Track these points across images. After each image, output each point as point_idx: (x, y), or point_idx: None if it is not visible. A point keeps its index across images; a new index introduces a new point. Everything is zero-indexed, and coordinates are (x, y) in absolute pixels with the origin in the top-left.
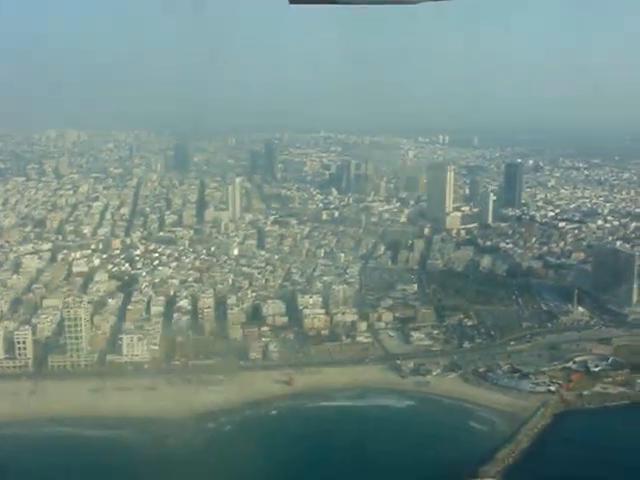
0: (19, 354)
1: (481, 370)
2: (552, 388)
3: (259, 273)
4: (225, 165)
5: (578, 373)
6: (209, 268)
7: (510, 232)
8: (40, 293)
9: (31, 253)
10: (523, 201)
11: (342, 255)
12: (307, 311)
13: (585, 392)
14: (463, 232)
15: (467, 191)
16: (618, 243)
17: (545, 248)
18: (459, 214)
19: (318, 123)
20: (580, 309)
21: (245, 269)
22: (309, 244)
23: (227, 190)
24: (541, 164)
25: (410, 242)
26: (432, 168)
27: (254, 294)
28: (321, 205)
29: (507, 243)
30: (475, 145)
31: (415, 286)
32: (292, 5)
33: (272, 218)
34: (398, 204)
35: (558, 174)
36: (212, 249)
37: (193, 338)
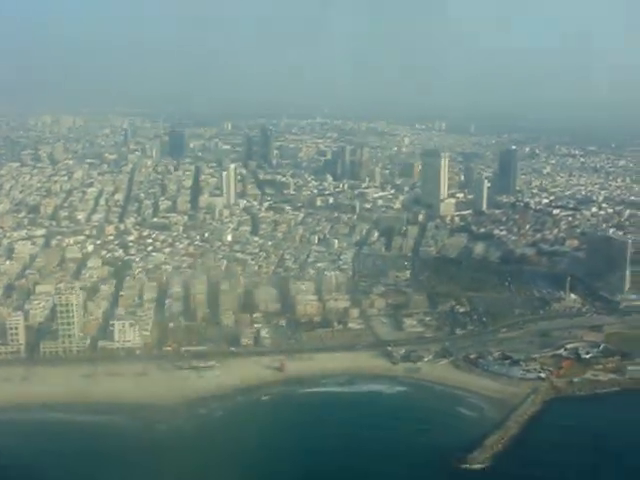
0: (11, 340)
1: (472, 357)
2: (542, 375)
3: (252, 259)
4: (220, 151)
5: (569, 360)
6: (202, 254)
7: (504, 219)
8: (33, 279)
9: (25, 239)
10: (518, 188)
11: (336, 241)
12: (299, 297)
13: (575, 379)
14: (457, 219)
15: (462, 178)
16: (611, 230)
17: (539, 235)
18: (453, 201)
19: (314, 109)
20: (572, 296)
21: (238, 255)
22: (303, 230)
23: (222, 176)
24: (537, 151)
25: (404, 229)
26: (426, 155)
27: (247, 280)
28: (316, 191)
29: (501, 230)
30: (472, 132)
31: (408, 273)
32: None
33: (266, 204)
34: (393, 191)
35: (554, 161)
36: (206, 235)
37: (185, 324)
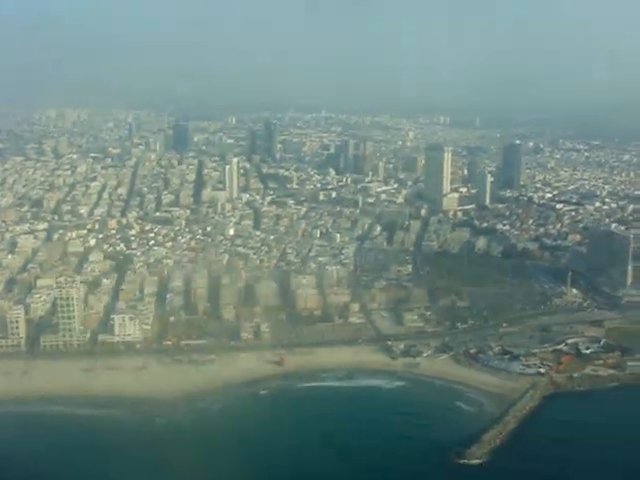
0: (12, 333)
1: (472, 352)
2: (542, 370)
3: (254, 253)
4: (224, 145)
5: (569, 355)
6: (204, 248)
7: (507, 213)
8: (35, 273)
9: (27, 233)
10: (522, 182)
11: (338, 236)
12: (300, 291)
13: (575, 374)
14: (460, 213)
15: (465, 172)
16: (613, 225)
17: (542, 230)
18: (456, 195)
19: (319, 102)
20: (574, 291)
21: (240, 249)
22: (305, 224)
23: (224, 170)
24: (541, 146)
25: (406, 223)
26: (430, 149)
27: (248, 274)
28: (319, 185)
29: (504, 224)
30: (476, 126)
31: (410, 267)
32: None
33: (269, 198)
34: (396, 185)
35: (558, 156)
36: (208, 229)
37: (185, 318)
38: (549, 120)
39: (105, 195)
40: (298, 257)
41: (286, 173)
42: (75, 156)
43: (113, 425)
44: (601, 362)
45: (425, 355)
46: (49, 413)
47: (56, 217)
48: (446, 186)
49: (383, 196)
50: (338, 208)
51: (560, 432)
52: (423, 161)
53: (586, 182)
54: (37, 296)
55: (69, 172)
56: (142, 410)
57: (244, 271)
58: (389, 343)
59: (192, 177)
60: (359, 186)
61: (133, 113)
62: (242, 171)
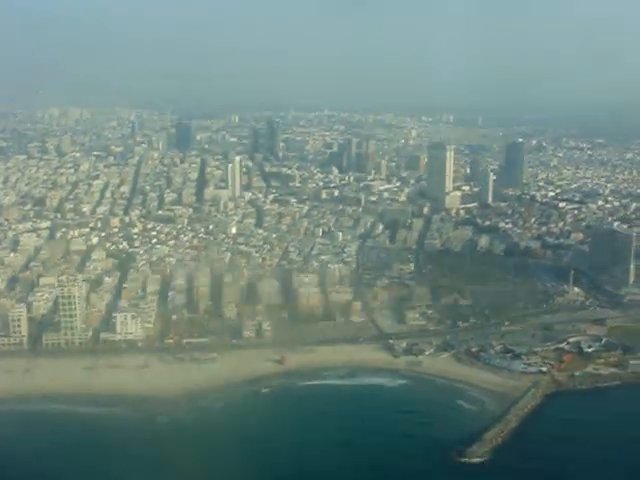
0: (14, 332)
1: (474, 350)
2: (544, 369)
3: (256, 252)
4: (227, 144)
5: (570, 354)
6: (206, 247)
7: (510, 212)
8: (37, 271)
9: (30, 231)
10: (524, 181)
11: (340, 234)
12: (302, 290)
13: (577, 373)
14: (462, 212)
15: (468, 170)
16: (616, 224)
17: (544, 228)
18: (459, 193)
19: (322, 102)
20: (576, 289)
21: (242, 248)
22: (308, 223)
23: (227, 169)
24: (544, 144)
25: (409, 221)
26: (432, 147)
27: (250, 273)
28: (321, 184)
29: (506, 223)
30: (479, 124)
31: (412, 265)
32: None
33: (272, 197)
34: (398, 183)
35: (561, 154)
36: (210, 227)
37: (187, 316)
38: (552, 119)
39: (108, 193)
40: (300, 255)
41: (289, 171)
42: (78, 154)
43: (115, 423)
44: (603, 361)
45: (427, 353)
46: (51, 411)
47: (59, 215)
48: (448, 184)
49: (385, 194)
50: (340, 206)
51: (562, 431)
52: (426, 159)
53: (589, 180)
54: (39, 294)
55: (72, 170)
56: (144, 408)
57: (246, 269)
58: (391, 341)
59: (194, 175)
60: (362, 184)
61: (136, 112)
62: (245, 169)
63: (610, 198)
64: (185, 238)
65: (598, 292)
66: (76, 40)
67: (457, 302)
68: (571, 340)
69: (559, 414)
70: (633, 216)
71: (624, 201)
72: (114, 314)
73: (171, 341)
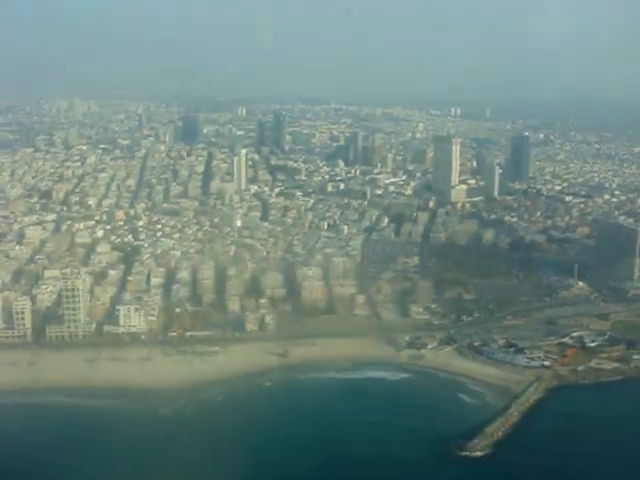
0: (17, 324)
1: (476, 344)
2: (546, 363)
3: (261, 245)
4: (234, 137)
5: (573, 348)
6: (211, 240)
7: (515, 205)
8: (42, 264)
9: (35, 224)
10: (531, 175)
11: (345, 227)
12: (306, 283)
13: (580, 367)
14: (468, 205)
15: (474, 164)
16: (622, 218)
17: (550, 222)
18: (465, 187)
19: (329, 94)
20: (580, 284)
21: (247, 241)
22: (313, 216)
23: (233, 162)
24: (552, 137)
25: (414, 215)
26: (438, 141)
27: (254, 266)
28: (327, 177)
29: (512, 217)
30: (487, 118)
31: (416, 259)
32: None
33: (277, 190)
34: (405, 177)
35: (568, 148)
36: (216, 221)
37: (191, 309)
38: (560, 112)
39: (114, 186)
40: (305, 249)
41: (295, 165)
42: (85, 147)
43: (117, 415)
44: (606, 355)
45: (430, 347)
46: (54, 404)
47: (65, 208)
48: (454, 178)
49: (391, 188)
50: (346, 200)
51: (564, 425)
52: (432, 153)
53: (596, 174)
54: (44, 287)
55: (78, 163)
56: (146, 401)
57: (250, 262)
58: (394, 335)
59: (201, 169)
60: (367, 178)
61: (143, 105)
62: (251, 163)
63: (617, 192)
64: (190, 231)
65: (603, 286)
66: (76, 40)
67: (461, 296)
68: (574, 334)
69: (561, 409)
70: (639, 210)
71: (631, 195)
72: (117, 307)
73: (174, 334)
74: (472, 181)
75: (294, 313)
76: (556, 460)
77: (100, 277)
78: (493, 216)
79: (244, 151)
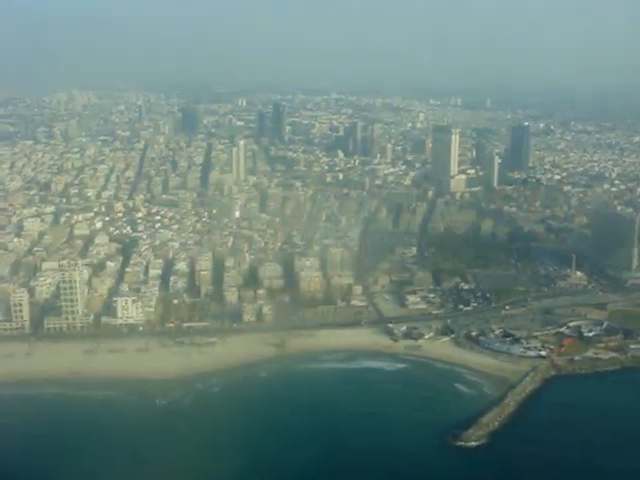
0: (15, 316)
1: (473, 334)
2: (543, 353)
3: (259, 236)
4: (234, 127)
5: (571, 338)
6: (210, 231)
7: (515, 195)
8: (40, 256)
9: (34, 216)
10: (531, 164)
11: (344, 218)
12: (304, 274)
13: (577, 357)
14: (467, 195)
15: (474, 154)
16: (620, 207)
17: (548, 212)
18: (464, 177)
19: (330, 85)
20: (578, 273)
21: (245, 232)
22: (311, 207)
23: (232, 153)
24: (552, 127)
25: (413, 205)
26: (437, 131)
27: (252, 257)
28: (326, 167)
29: (511, 206)
30: (487, 107)
31: (414, 249)
32: None
33: (276, 181)
34: (404, 167)
35: (569, 137)
36: (214, 212)
37: (188, 301)
38: (560, 101)
39: (113, 178)
40: (303, 239)
41: (294, 155)
42: (84, 139)
43: (115, 406)
44: (603, 345)
45: (426, 337)
46: (52, 394)
47: (64, 200)
48: (454, 168)
49: (390, 178)
50: (345, 190)
51: (560, 415)
52: (431, 143)
53: (596, 164)
54: (42, 279)
55: (78, 155)
56: (143, 391)
57: (248, 253)
58: (391, 325)
59: (200, 160)
60: (367, 168)
61: (143, 95)
62: (250, 153)
63: (617, 182)
64: (188, 222)
65: (600, 276)
66: (77, 39)
67: (459, 286)
68: (571, 324)
69: (558, 398)
70: (639, 199)
71: (630, 184)
72: (115, 298)
73: (172, 325)
74: (471, 171)
75: (292, 304)
76: (552, 450)
77: (98, 269)
78: (492, 206)
79: (242, 142)
